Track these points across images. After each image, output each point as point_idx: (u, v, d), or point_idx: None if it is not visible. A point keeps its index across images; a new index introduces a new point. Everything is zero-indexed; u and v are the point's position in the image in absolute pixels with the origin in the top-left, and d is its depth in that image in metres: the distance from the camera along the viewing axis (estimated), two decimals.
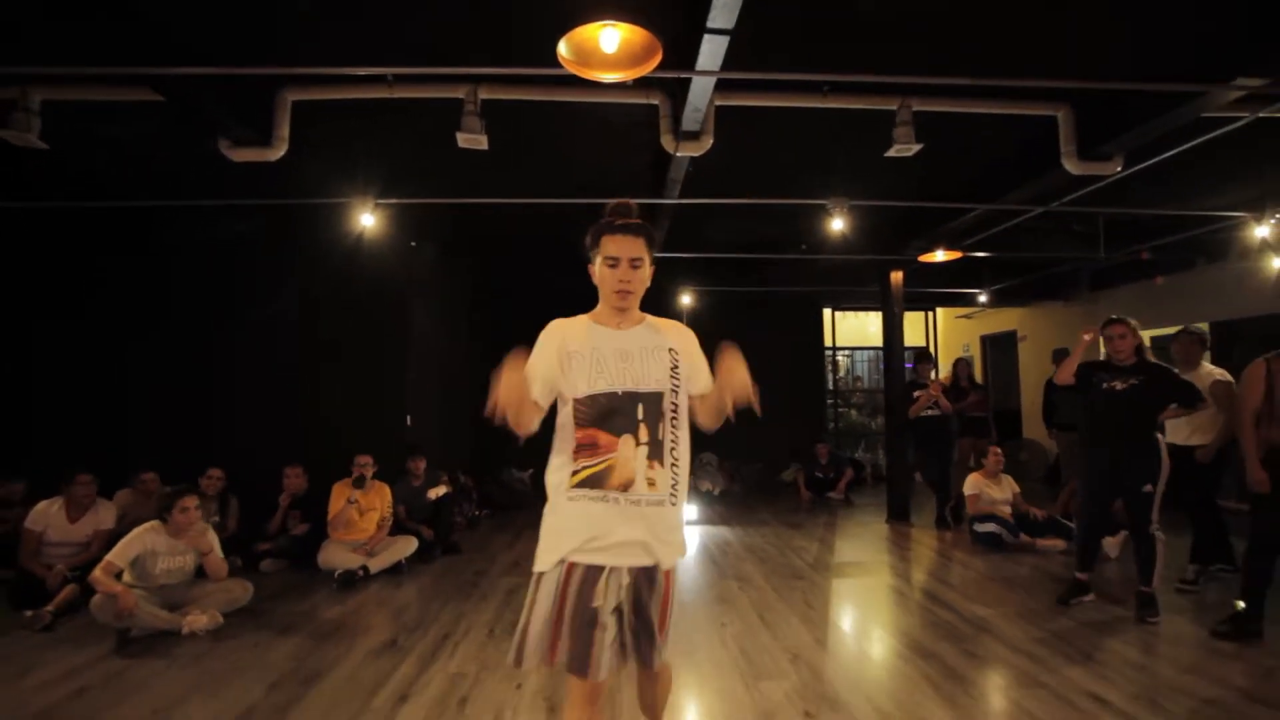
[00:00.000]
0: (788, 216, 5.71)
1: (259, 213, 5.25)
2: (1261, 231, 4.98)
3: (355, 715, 2.57)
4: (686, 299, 8.42)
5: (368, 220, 4.75)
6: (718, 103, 3.57)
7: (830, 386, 10.58)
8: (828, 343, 10.26)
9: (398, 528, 5.01)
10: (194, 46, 3.22)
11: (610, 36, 2.58)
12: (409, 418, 6.20)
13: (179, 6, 3.01)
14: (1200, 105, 3.32)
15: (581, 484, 1.68)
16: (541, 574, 1.69)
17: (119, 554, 3.47)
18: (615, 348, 1.74)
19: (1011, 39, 3.29)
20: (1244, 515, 3.47)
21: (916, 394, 6.22)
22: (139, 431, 5.61)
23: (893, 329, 6.74)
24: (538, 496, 7.51)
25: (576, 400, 1.70)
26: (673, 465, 1.73)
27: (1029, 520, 5.31)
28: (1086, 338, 3.80)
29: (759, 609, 3.82)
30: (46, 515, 4.12)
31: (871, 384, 11.18)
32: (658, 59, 2.66)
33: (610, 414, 1.68)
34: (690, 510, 5.74)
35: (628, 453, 1.67)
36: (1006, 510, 5.36)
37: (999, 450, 5.66)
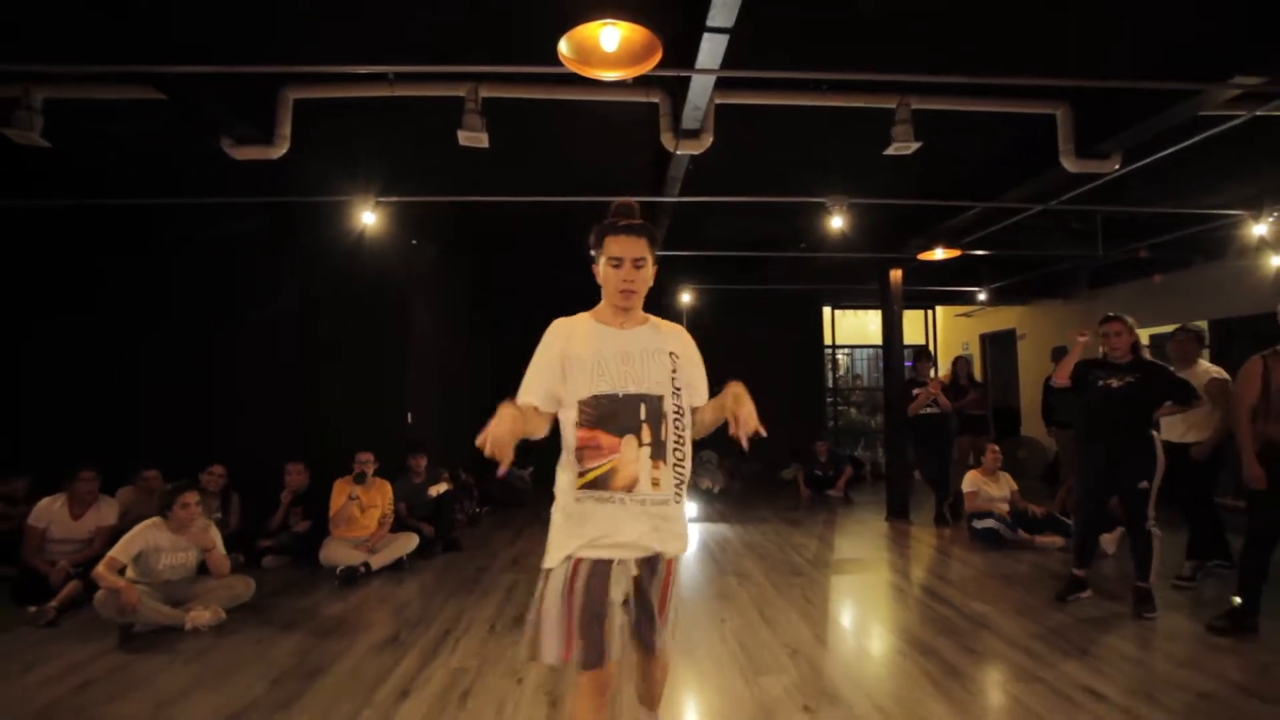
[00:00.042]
0: (787, 214, 5.73)
1: (261, 211, 5.26)
2: (1259, 229, 5.00)
3: (357, 710, 2.59)
4: (686, 297, 8.44)
5: (369, 218, 4.76)
6: (717, 101, 3.59)
7: (830, 385, 10.60)
8: (827, 341, 10.28)
9: (399, 525, 5.03)
10: (196, 45, 3.24)
11: (610, 35, 2.60)
12: (410, 415, 6.22)
13: (181, 5, 3.02)
14: (1197, 104, 3.34)
15: (587, 486, 1.71)
16: (549, 570, 1.73)
17: (121, 550, 3.49)
18: (617, 349, 1.76)
19: (1010, 38, 3.30)
20: (1241, 512, 3.49)
21: (915, 392, 6.24)
22: (141, 429, 5.63)
23: (892, 327, 6.75)
24: (538, 494, 7.51)
25: (580, 402, 1.72)
26: (676, 465, 1.76)
27: (1027, 517, 5.33)
28: (1081, 339, 3.83)
29: (759, 605, 3.84)
30: (49, 512, 4.14)
31: (871, 382, 11.19)
32: (658, 57, 2.67)
33: (612, 416, 1.71)
34: (690, 508, 5.75)
35: (630, 454, 1.70)
36: (1004, 508, 5.38)
37: (996, 448, 5.69)
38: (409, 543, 4.81)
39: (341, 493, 4.78)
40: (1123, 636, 3.31)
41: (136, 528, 3.60)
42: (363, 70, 3.35)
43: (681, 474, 1.78)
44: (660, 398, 1.75)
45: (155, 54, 3.10)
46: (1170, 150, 3.88)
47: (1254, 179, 4.96)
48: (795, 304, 9.62)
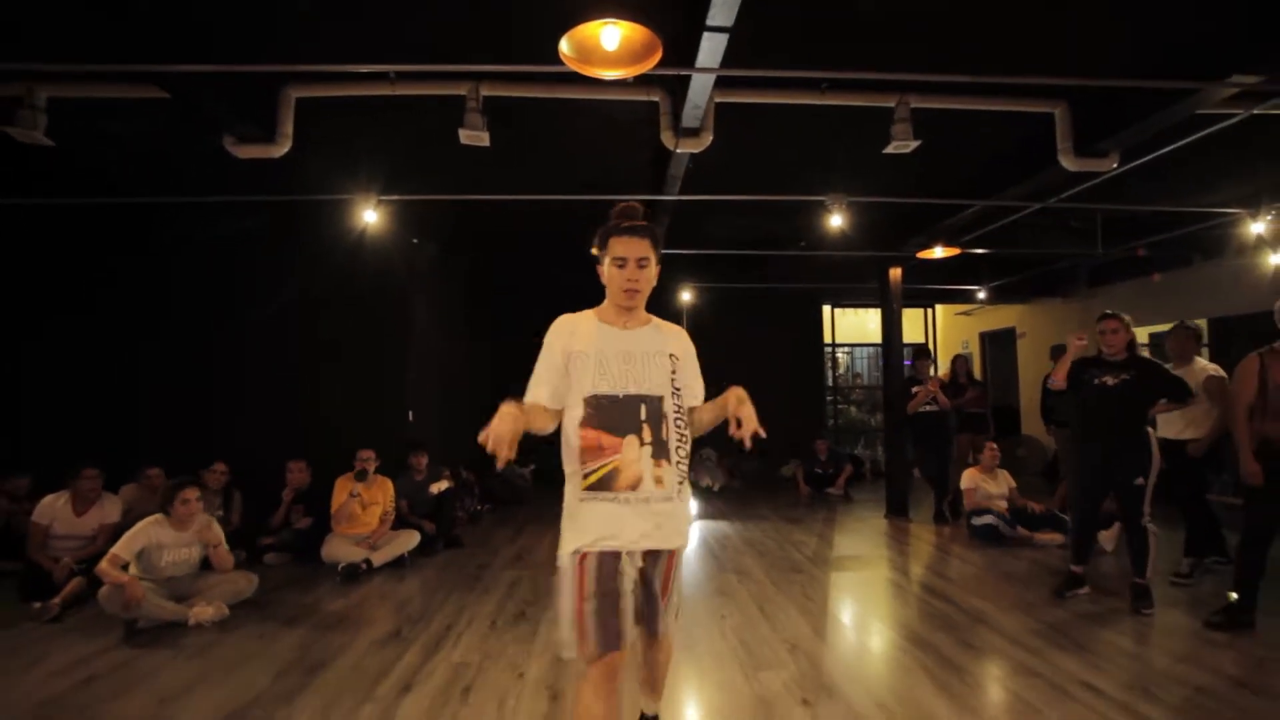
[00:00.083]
0: (787, 213, 5.75)
1: (262, 210, 5.29)
2: (1257, 228, 5.02)
3: (360, 703, 2.61)
4: (687, 295, 8.46)
5: (370, 217, 4.78)
6: (717, 100, 3.61)
7: (830, 383, 10.62)
8: (827, 339, 10.30)
9: (400, 522, 5.05)
10: (198, 44, 3.26)
11: (611, 34, 2.62)
12: (410, 413, 6.24)
13: (183, 4, 3.04)
14: (1194, 102, 3.36)
15: (592, 487, 1.75)
16: (562, 568, 1.78)
17: (124, 547, 3.51)
18: (619, 349, 1.80)
19: (1008, 37, 3.32)
20: (1239, 510, 3.51)
21: (914, 390, 6.26)
22: (144, 427, 5.66)
23: (891, 325, 6.77)
24: (539, 492, 7.55)
25: (583, 400, 1.77)
26: (678, 463, 1.82)
27: (1027, 514, 5.35)
28: (1078, 343, 3.85)
29: (758, 601, 3.86)
30: (53, 509, 4.16)
31: (871, 381, 11.21)
32: (658, 56, 2.69)
33: (613, 416, 1.75)
34: (691, 505, 5.78)
35: (632, 454, 1.74)
36: (1003, 504, 5.40)
37: (994, 446, 5.71)
38: (410, 540, 4.83)
39: (343, 490, 4.80)
40: (1120, 632, 3.33)
41: (138, 525, 3.63)
42: (364, 69, 3.37)
43: (683, 471, 1.84)
44: (660, 398, 1.79)
45: (158, 53, 3.12)
46: (1168, 149, 3.90)
47: (1251, 178, 4.98)
48: (795, 302, 9.64)
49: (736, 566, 4.66)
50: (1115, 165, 3.98)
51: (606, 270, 1.84)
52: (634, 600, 1.79)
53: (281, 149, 3.75)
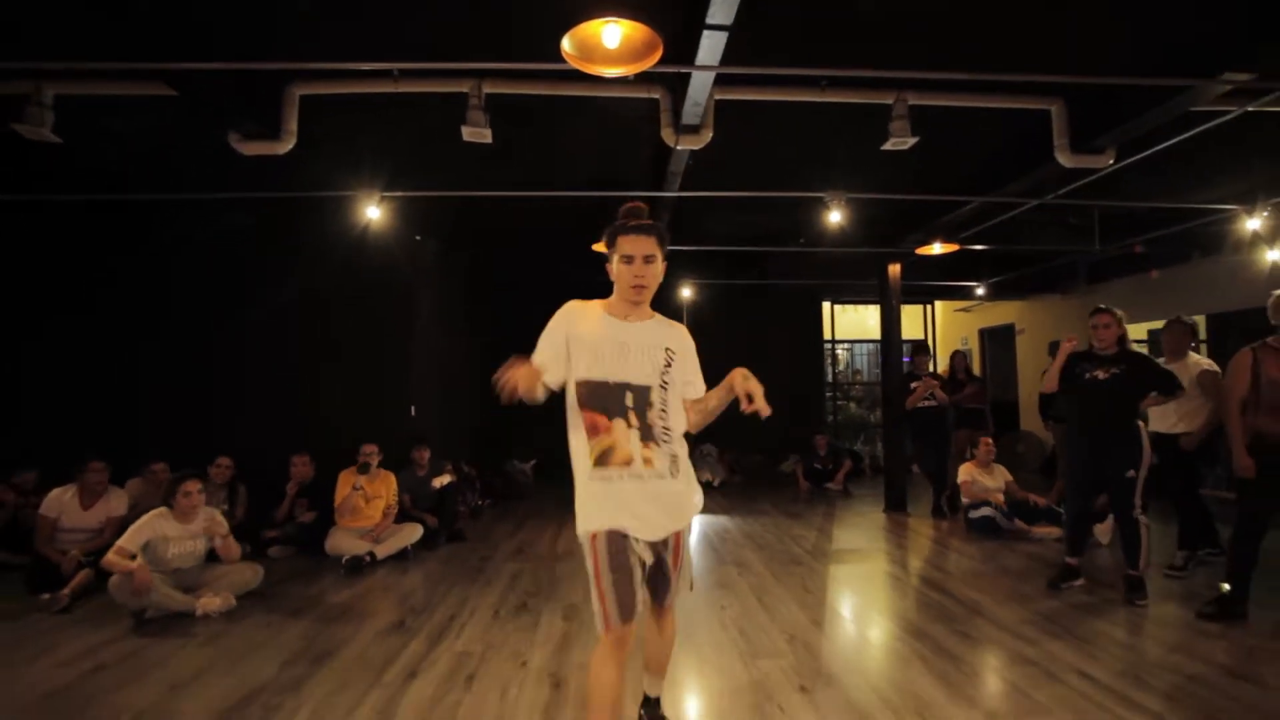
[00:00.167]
0: (787, 209, 5.78)
1: (266, 207, 5.33)
2: (1252, 224, 5.05)
3: (366, 690, 2.66)
4: (687, 292, 8.50)
5: (373, 213, 4.82)
6: (717, 97, 3.65)
7: (830, 379, 10.67)
8: (827, 336, 10.34)
9: (403, 516, 5.10)
10: (203, 41, 3.29)
11: (612, 32, 2.66)
12: (413, 408, 6.29)
13: (188, 2, 3.08)
14: (1188, 99, 3.40)
15: (596, 464, 1.86)
16: (583, 546, 1.89)
17: (129, 540, 3.57)
18: (617, 339, 1.90)
19: (1006, 35, 3.36)
20: (1232, 504, 3.55)
21: (913, 385, 6.31)
22: (149, 422, 5.70)
23: (890, 321, 6.81)
24: (539, 488, 7.56)
25: (578, 383, 1.88)
26: (666, 444, 1.91)
27: (1026, 507, 5.40)
28: (1067, 345, 3.90)
29: (757, 593, 3.91)
30: (60, 502, 4.21)
31: (871, 377, 11.25)
32: (658, 54, 2.73)
33: (603, 399, 1.86)
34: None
35: (622, 435, 1.86)
36: (1000, 498, 5.45)
37: (989, 441, 5.75)
38: (413, 533, 4.88)
39: (346, 483, 4.85)
40: (1114, 622, 3.38)
41: (143, 518, 3.68)
42: (368, 67, 3.40)
43: (674, 450, 1.92)
44: (648, 389, 1.89)
45: (163, 51, 3.15)
46: (1163, 146, 3.93)
47: (1246, 174, 5.02)
48: (795, 299, 9.68)
49: (736, 559, 4.71)
50: (1111, 162, 4.02)
51: (614, 267, 1.93)
52: (645, 573, 1.89)
53: (286, 146, 3.79)
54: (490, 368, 1.75)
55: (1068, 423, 4.05)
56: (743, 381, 1.80)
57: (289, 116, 3.72)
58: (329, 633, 3.32)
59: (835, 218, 5.01)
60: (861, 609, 3.73)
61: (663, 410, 1.90)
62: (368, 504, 4.87)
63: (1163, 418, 4.25)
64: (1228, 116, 3.54)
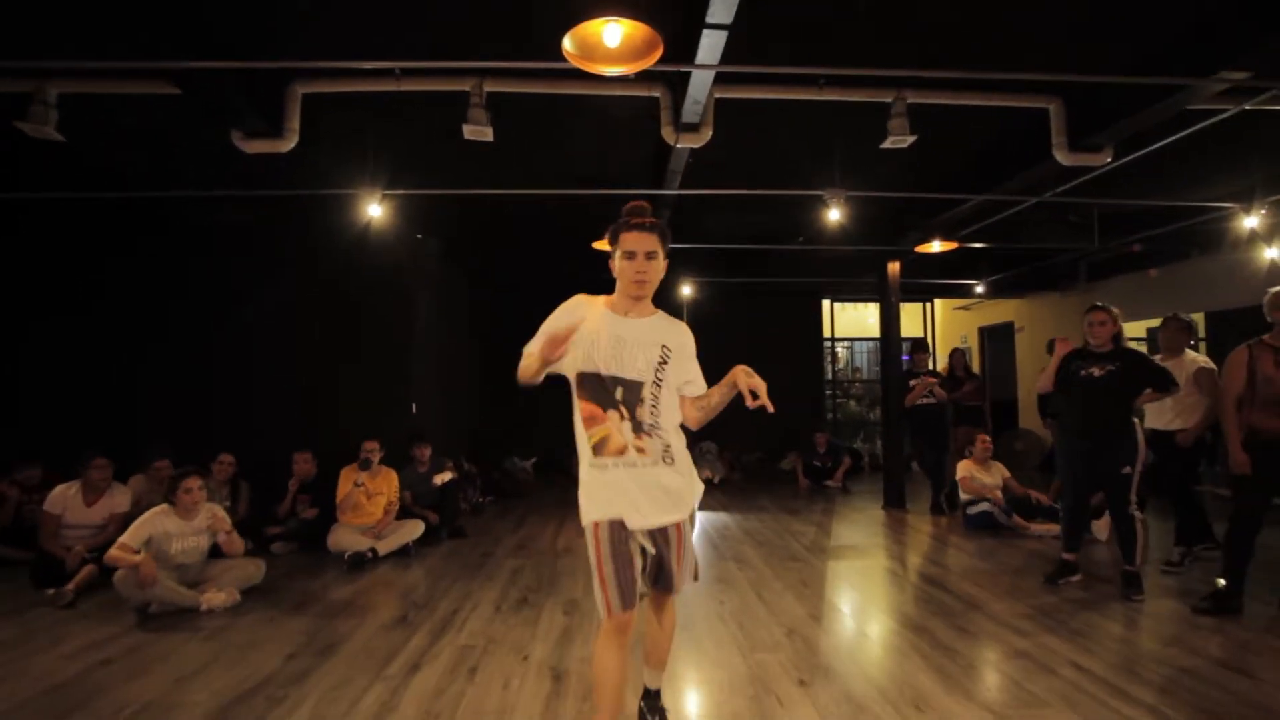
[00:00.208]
0: (786, 208, 5.80)
1: (268, 204, 5.35)
2: (1250, 222, 5.07)
3: (370, 683, 2.69)
4: (687, 290, 8.52)
5: (375, 211, 4.84)
6: (717, 95, 3.67)
7: (829, 377, 10.69)
8: (827, 334, 10.37)
9: (404, 513, 5.13)
10: (205, 40, 3.32)
11: (613, 31, 2.68)
12: (414, 406, 6.32)
13: (190, 2, 3.10)
14: (1185, 98, 3.42)
15: (595, 452, 1.91)
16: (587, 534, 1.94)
17: (131, 536, 3.60)
18: (614, 334, 1.93)
19: (1004, 35, 3.38)
20: (1228, 501, 3.58)
21: (912, 383, 6.33)
22: (152, 419, 5.72)
23: (890, 319, 6.84)
24: (540, 485, 7.58)
25: (576, 374, 1.94)
26: (657, 434, 1.94)
27: (1026, 503, 5.43)
28: (1062, 345, 3.93)
29: (757, 588, 3.94)
30: (64, 498, 4.24)
31: (871, 375, 11.28)
32: (659, 53, 2.75)
33: (596, 391, 1.91)
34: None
35: (615, 425, 1.91)
36: (998, 494, 5.48)
37: (986, 438, 5.78)
38: (415, 529, 4.91)
39: (348, 480, 4.88)
40: (1110, 617, 3.41)
41: (145, 515, 3.72)
42: (370, 66, 3.43)
43: (666, 440, 1.96)
44: (640, 384, 1.92)
45: (167, 49, 3.18)
46: (1160, 144, 3.95)
47: (1244, 172, 5.04)
48: (795, 297, 9.71)
49: (736, 555, 4.74)
50: (1109, 160, 4.04)
51: (617, 263, 1.97)
52: (647, 562, 1.94)
53: (288, 144, 3.82)
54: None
55: (1063, 419, 4.07)
56: (745, 378, 1.83)
57: (291, 114, 3.75)
58: (332, 627, 3.35)
59: (835, 215, 5.03)
60: (860, 604, 3.76)
61: (653, 406, 1.94)
62: (369, 501, 4.90)
63: (1158, 415, 4.27)
64: (1225, 115, 3.57)
